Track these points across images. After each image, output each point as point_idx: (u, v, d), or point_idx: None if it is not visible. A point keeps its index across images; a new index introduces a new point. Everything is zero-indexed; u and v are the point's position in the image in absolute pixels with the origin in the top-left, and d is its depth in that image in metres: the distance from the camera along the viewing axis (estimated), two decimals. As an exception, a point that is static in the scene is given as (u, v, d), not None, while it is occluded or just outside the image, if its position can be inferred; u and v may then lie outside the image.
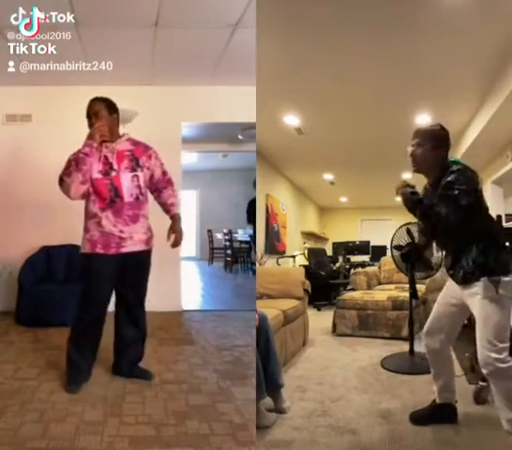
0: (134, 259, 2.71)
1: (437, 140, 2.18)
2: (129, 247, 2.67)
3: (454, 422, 2.28)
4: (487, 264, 2.01)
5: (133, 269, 2.74)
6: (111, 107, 2.68)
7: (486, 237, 2.07)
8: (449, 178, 2.02)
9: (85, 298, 2.70)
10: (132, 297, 2.81)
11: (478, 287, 2.00)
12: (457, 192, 1.98)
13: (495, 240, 2.09)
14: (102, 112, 2.64)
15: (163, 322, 4.21)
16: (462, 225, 2.02)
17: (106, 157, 2.64)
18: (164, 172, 2.85)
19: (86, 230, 2.68)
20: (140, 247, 2.71)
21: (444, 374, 2.32)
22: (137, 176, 2.69)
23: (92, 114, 2.64)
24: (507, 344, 1.95)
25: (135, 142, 2.76)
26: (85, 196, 2.66)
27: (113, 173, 2.64)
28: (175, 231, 2.78)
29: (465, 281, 2.07)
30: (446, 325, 2.25)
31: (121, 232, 2.64)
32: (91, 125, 2.65)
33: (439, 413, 2.31)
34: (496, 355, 1.90)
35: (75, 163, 2.54)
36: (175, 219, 2.82)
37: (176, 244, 2.78)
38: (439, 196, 2.05)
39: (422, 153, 2.17)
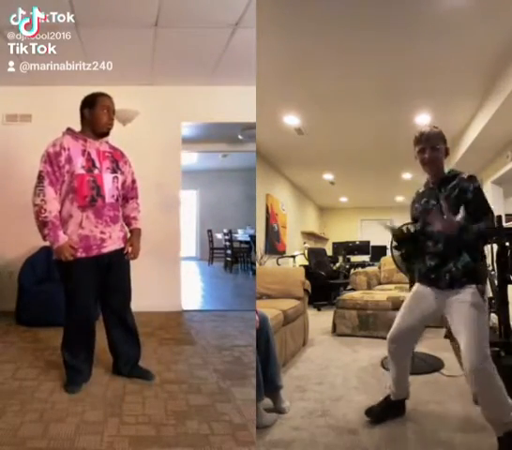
0: (115, 258, 2.68)
1: (445, 142, 2.19)
2: (109, 247, 2.64)
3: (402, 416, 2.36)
4: (476, 271, 2.06)
5: (114, 269, 2.69)
6: None
7: (475, 244, 2.09)
8: (472, 187, 2.06)
9: (71, 303, 2.66)
10: (118, 301, 2.76)
11: (465, 293, 2.03)
12: (486, 203, 2.07)
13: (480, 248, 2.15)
14: (112, 112, 2.64)
15: (163, 322, 4.21)
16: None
17: (89, 154, 2.59)
18: (134, 181, 2.85)
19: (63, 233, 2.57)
20: (118, 246, 2.69)
21: (405, 376, 2.38)
22: (117, 178, 2.68)
23: (103, 109, 2.59)
24: None
25: (112, 147, 2.75)
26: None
27: (96, 171, 2.59)
28: (133, 245, 2.76)
29: (451, 286, 2.08)
30: (414, 332, 2.29)
31: (102, 233, 2.60)
32: (89, 116, 2.58)
33: (393, 410, 2.37)
34: (489, 353, 1.96)
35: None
36: (135, 234, 2.80)
37: (133, 257, 2.75)
38: (456, 202, 2.04)
39: (441, 156, 2.18)
